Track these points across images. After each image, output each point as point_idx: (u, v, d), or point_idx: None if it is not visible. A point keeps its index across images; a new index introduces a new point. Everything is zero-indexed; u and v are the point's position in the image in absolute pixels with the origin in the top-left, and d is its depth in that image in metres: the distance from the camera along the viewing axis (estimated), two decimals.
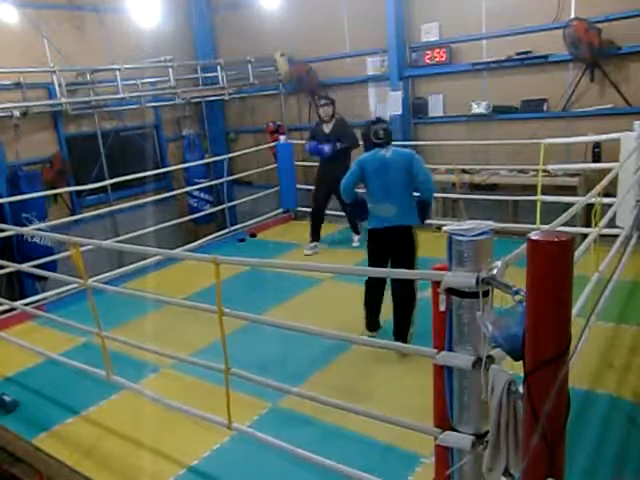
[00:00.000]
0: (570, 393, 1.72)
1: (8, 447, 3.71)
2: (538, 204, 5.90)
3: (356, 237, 6.95)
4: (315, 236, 6.96)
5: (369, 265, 4.52)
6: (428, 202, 4.56)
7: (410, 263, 4.34)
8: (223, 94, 8.90)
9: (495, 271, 1.86)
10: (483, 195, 6.84)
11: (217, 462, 3.22)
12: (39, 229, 6.35)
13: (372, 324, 4.61)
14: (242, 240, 7.80)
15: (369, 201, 4.48)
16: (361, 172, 4.44)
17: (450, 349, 2.04)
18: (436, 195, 7.39)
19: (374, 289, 4.56)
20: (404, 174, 4.38)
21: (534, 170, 6.36)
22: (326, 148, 6.67)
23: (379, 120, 4.64)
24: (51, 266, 6.35)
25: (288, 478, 3.04)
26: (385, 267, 4.32)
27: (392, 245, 4.40)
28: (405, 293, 4.33)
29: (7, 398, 3.93)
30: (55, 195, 7.39)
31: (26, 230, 5.69)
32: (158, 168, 8.55)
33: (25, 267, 5.20)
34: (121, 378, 3.59)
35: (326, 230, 7.07)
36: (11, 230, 5.54)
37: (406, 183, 4.39)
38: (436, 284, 2.02)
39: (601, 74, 6.40)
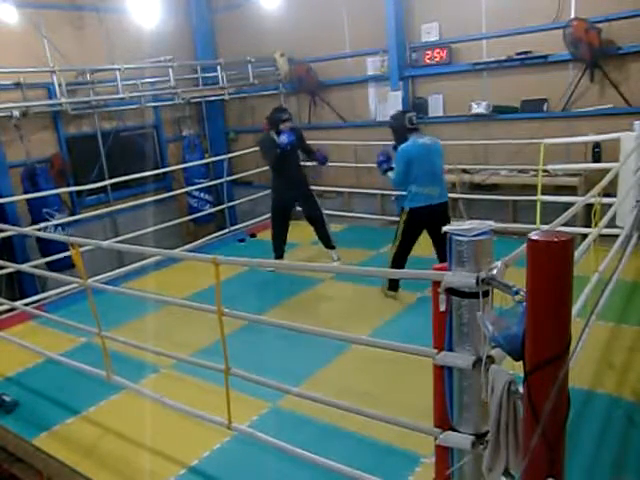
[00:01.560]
0: (570, 393, 1.72)
1: (8, 447, 3.71)
2: (538, 204, 5.89)
3: (334, 254, 6.33)
4: (280, 256, 6.41)
5: (404, 241, 5.02)
6: None
7: None
8: (223, 94, 8.89)
9: (495, 271, 1.86)
10: (483, 195, 6.84)
11: (217, 462, 3.22)
12: (41, 229, 6.35)
13: (397, 285, 5.21)
14: (242, 240, 7.81)
15: (414, 184, 4.91)
16: (410, 163, 4.87)
17: (450, 349, 2.04)
18: None
19: (405, 259, 5.09)
20: (441, 157, 5.04)
21: (534, 170, 6.36)
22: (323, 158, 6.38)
23: (407, 110, 5.42)
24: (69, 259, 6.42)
25: (288, 478, 3.04)
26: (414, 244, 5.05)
27: (437, 219, 4.83)
28: None
29: (7, 398, 3.93)
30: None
31: (25, 230, 5.68)
32: (158, 168, 8.55)
33: (25, 267, 5.20)
34: (121, 378, 3.59)
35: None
36: (11, 230, 5.54)
37: (442, 164, 5.08)
38: (436, 284, 2.02)
39: (601, 74, 6.40)
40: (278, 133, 5.97)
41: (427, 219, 4.94)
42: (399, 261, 5.05)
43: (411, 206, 4.97)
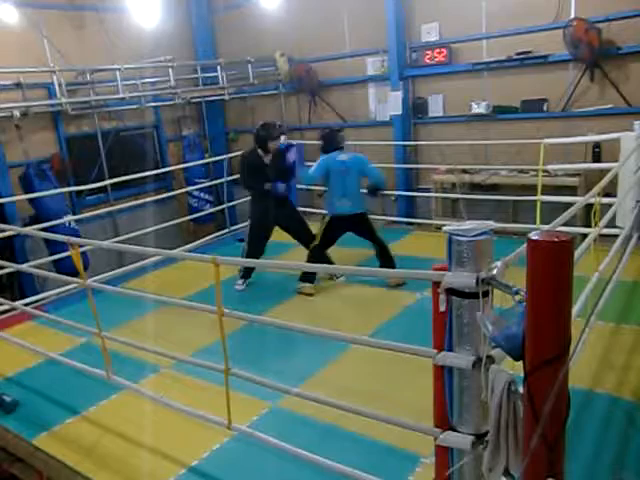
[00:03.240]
0: (570, 393, 1.72)
1: (8, 447, 3.71)
2: (538, 204, 5.90)
3: (241, 281, 5.91)
4: (249, 273, 5.99)
5: (324, 238, 5.70)
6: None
7: None
8: (223, 94, 8.90)
9: (495, 271, 1.86)
10: (483, 195, 6.84)
11: (217, 462, 3.22)
12: (44, 229, 6.33)
13: (314, 277, 5.70)
14: (242, 240, 7.78)
15: (331, 195, 5.69)
16: (327, 173, 5.60)
17: (450, 349, 2.04)
18: (436, 195, 7.46)
19: (324, 252, 5.77)
20: (358, 174, 5.64)
21: (534, 170, 6.36)
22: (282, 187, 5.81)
23: (340, 130, 6.26)
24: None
25: (288, 478, 3.04)
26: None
27: (355, 224, 5.74)
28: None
29: (7, 398, 3.93)
30: None
31: (26, 230, 5.68)
32: (158, 168, 8.56)
33: (25, 267, 5.20)
34: (121, 378, 3.59)
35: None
36: (11, 230, 5.54)
37: (358, 181, 5.66)
38: (436, 284, 2.02)
39: (601, 74, 6.40)
40: (267, 151, 5.71)
41: (345, 225, 5.68)
42: (319, 255, 5.63)
43: (331, 214, 5.69)
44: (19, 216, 7.01)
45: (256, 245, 5.91)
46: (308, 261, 5.51)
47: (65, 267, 6.09)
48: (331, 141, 5.71)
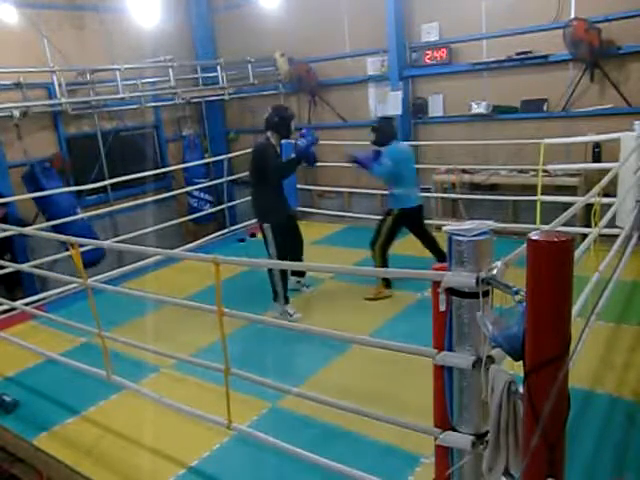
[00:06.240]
0: (570, 393, 1.72)
1: (8, 447, 3.71)
2: (538, 204, 5.90)
3: (289, 308, 5.04)
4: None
5: (389, 238, 5.29)
6: None
7: None
8: (223, 94, 8.90)
9: (495, 271, 1.86)
10: (483, 195, 6.84)
11: (217, 462, 3.22)
12: (42, 229, 6.33)
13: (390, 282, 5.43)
14: (242, 240, 7.80)
15: (402, 186, 5.26)
16: (398, 163, 5.19)
17: (450, 349, 2.04)
18: (436, 195, 7.45)
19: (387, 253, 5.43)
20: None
21: (534, 170, 6.36)
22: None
23: (391, 117, 6.09)
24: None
25: (288, 478, 3.04)
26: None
27: (418, 219, 5.48)
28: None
29: (7, 398, 3.93)
30: None
31: (26, 230, 5.67)
32: (158, 168, 8.55)
33: (25, 267, 5.20)
34: (121, 378, 3.59)
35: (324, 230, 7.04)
36: (11, 230, 5.53)
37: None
38: (436, 284, 2.02)
39: (601, 74, 6.40)
40: (287, 136, 5.22)
41: (409, 219, 5.38)
42: (385, 255, 5.33)
43: (403, 207, 5.29)
44: (21, 216, 7.02)
45: (285, 247, 5.14)
46: (379, 261, 5.24)
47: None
48: (389, 131, 5.36)
